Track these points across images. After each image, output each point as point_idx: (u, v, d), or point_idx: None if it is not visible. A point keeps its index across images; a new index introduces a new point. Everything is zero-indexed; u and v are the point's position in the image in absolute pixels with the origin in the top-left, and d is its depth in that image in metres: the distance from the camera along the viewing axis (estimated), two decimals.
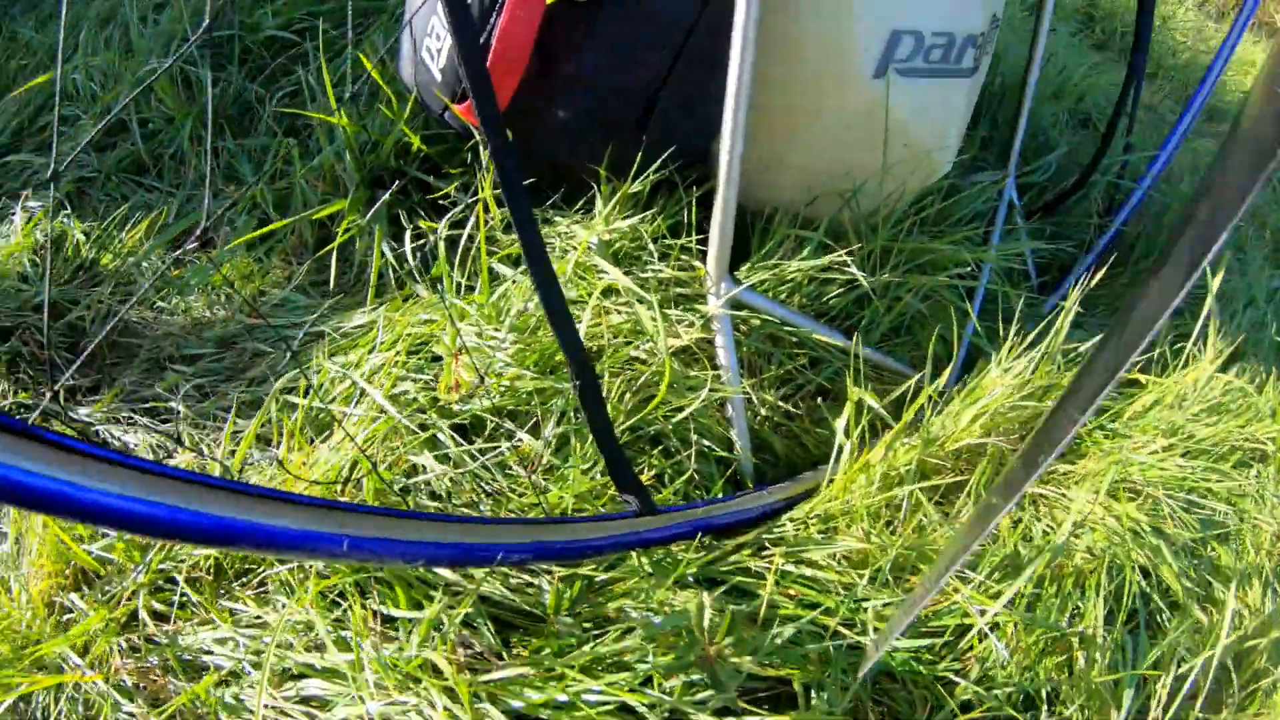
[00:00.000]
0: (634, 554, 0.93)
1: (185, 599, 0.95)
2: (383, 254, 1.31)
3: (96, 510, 0.50)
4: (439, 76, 1.15)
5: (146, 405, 1.25)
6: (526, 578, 0.94)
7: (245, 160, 1.54)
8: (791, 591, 0.97)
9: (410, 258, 1.28)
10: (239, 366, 1.28)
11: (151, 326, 1.37)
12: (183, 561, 0.99)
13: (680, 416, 1.06)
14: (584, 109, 1.15)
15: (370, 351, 1.14)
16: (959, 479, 1.23)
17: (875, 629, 0.97)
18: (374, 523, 0.64)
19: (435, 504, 1.00)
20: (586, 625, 0.91)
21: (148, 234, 1.47)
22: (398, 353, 1.12)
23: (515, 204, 0.66)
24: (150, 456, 1.20)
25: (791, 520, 1.08)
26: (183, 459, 1.13)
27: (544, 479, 1.01)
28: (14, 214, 1.50)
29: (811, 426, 1.21)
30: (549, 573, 0.93)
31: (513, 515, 0.98)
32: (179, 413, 1.18)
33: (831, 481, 1.10)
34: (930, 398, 1.23)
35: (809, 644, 0.93)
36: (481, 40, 1.05)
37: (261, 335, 1.30)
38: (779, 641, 0.90)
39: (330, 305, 1.29)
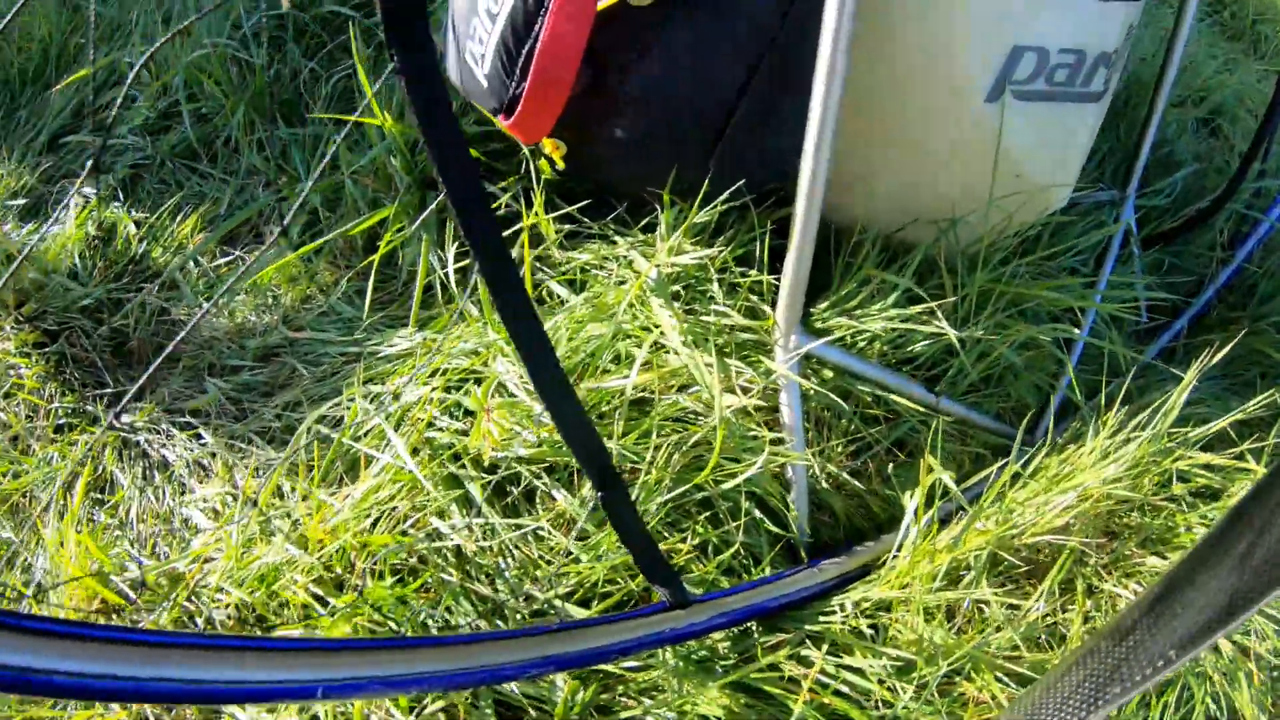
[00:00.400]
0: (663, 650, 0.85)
1: None
2: (430, 266, 1.23)
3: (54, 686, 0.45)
4: (485, 84, 1.05)
5: (184, 420, 1.22)
6: None
7: (297, 150, 1.47)
8: (826, 701, 0.88)
9: (453, 271, 1.20)
10: (278, 382, 1.23)
11: (197, 330, 1.33)
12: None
13: (733, 483, 0.96)
14: (646, 129, 1.03)
15: (408, 382, 1.08)
16: (1031, 570, 1.10)
17: None
18: (352, 660, 0.57)
19: (455, 569, 0.93)
20: None
21: (197, 227, 1.43)
22: (433, 389, 1.05)
23: (502, 294, 0.54)
24: (185, 474, 1.17)
25: (841, 608, 0.98)
26: (212, 489, 1.09)
27: (577, 545, 0.94)
28: (68, 199, 1.48)
29: (879, 487, 1.10)
30: None
31: (525, 624, 0.90)
32: (206, 442, 1.14)
33: (893, 565, 0.99)
34: (1016, 474, 1.10)
35: None
36: (525, 51, 0.94)
37: (301, 349, 1.25)
38: None
39: (371, 322, 1.22)
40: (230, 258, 1.40)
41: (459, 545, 0.94)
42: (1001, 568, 1.08)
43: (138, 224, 1.44)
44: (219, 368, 1.26)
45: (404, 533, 0.95)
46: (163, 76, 1.56)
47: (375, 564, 0.93)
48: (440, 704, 0.83)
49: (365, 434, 1.06)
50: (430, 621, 0.87)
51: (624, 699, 0.86)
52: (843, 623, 0.95)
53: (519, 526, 0.94)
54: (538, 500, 0.98)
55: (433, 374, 1.07)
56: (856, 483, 1.09)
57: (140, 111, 1.56)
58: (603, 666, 0.85)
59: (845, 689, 0.89)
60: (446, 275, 1.20)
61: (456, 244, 1.22)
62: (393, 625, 0.86)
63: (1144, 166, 1.42)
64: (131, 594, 1.01)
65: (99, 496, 1.18)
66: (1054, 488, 1.11)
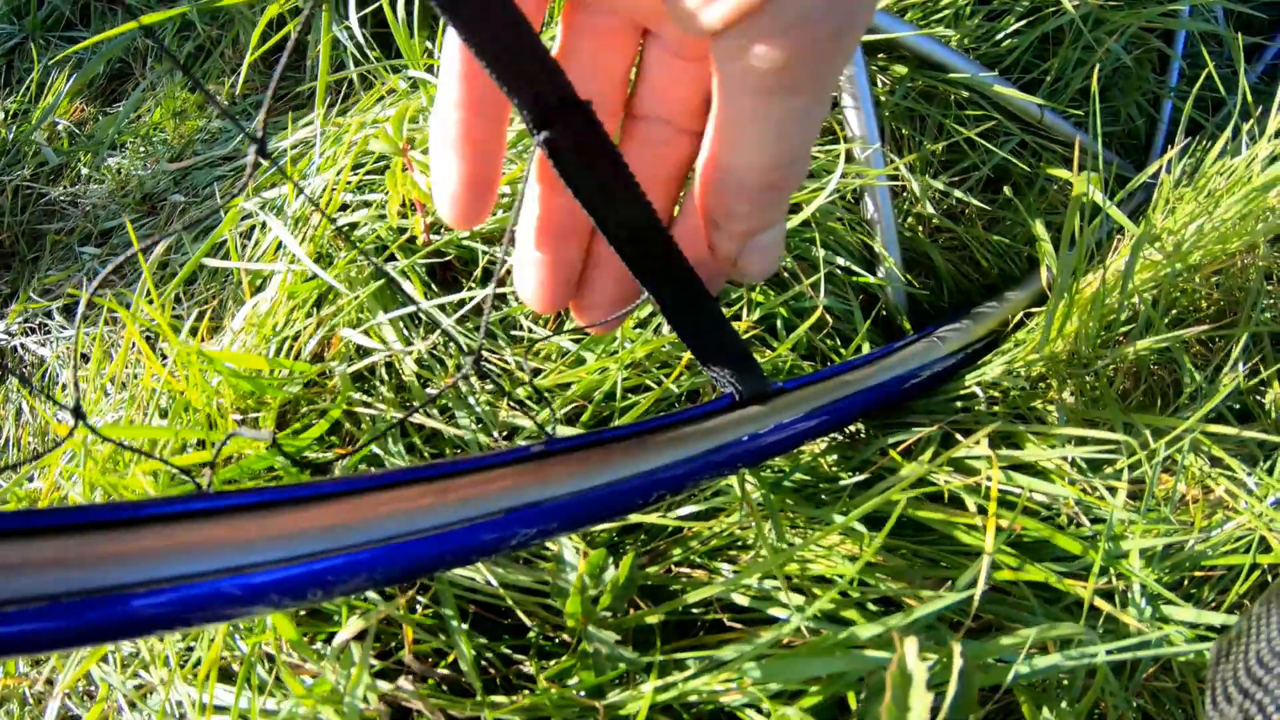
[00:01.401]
0: (734, 481, 0.45)
1: None
2: (331, 36, 0.81)
3: None
4: None
5: (63, 303, 0.82)
6: None
7: None
8: (1005, 522, 0.49)
9: (363, 37, 0.78)
10: (162, 229, 0.82)
11: (79, 202, 0.92)
12: None
13: (796, 219, 0.55)
14: None
15: (305, 177, 0.67)
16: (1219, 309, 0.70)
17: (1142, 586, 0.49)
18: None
19: (391, 403, 0.54)
20: None
21: (72, 95, 1.00)
22: (339, 171, 0.64)
23: None
24: (60, 370, 0.77)
25: (982, 389, 0.58)
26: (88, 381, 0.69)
27: (570, 337, 0.54)
28: None
29: (985, 232, 0.70)
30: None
31: (502, 444, 0.50)
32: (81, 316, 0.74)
33: (1033, 327, 0.59)
34: (1164, 196, 0.69)
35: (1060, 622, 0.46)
36: None
37: (191, 185, 0.84)
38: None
39: (258, 126, 0.81)
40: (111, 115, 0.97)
41: (401, 374, 0.55)
42: (1174, 313, 0.68)
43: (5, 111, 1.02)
44: (96, 235, 0.86)
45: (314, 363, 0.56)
46: None
47: (270, 414, 0.54)
48: (361, 620, 0.44)
49: (263, 253, 0.66)
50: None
51: (685, 571, 0.47)
52: (989, 408, 0.56)
53: (479, 327, 0.55)
54: (509, 287, 0.58)
55: (344, 152, 0.66)
56: (958, 229, 0.68)
57: None
58: (640, 517, 0.46)
59: (1018, 499, 0.50)
60: (359, 45, 0.78)
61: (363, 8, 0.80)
62: None
63: None
64: None
65: None
66: (1212, 207, 0.70)
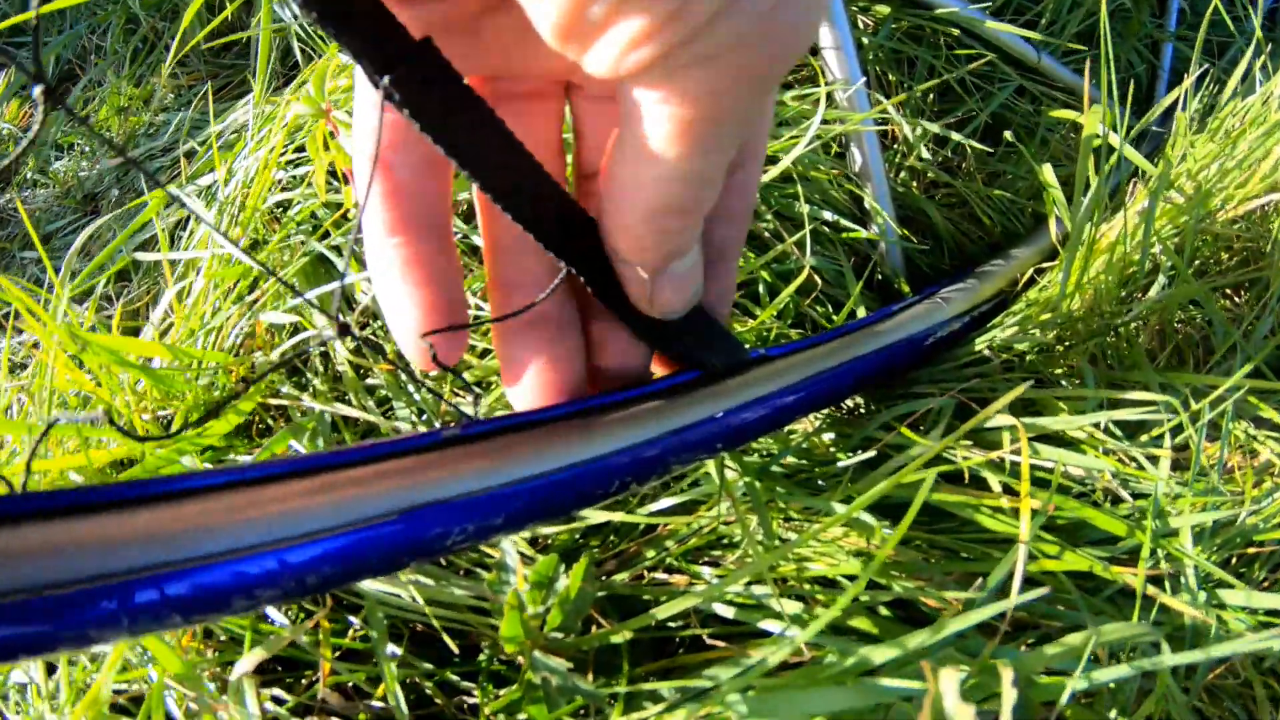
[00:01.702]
0: (711, 468, 0.36)
1: None
2: (273, 13, 0.73)
3: None
4: None
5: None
6: None
7: None
8: (1038, 505, 0.40)
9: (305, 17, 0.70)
10: (102, 227, 0.74)
11: (28, 205, 0.84)
12: None
13: (774, 171, 0.47)
14: None
15: (236, 160, 0.59)
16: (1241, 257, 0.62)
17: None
18: None
19: (323, 397, 0.46)
20: None
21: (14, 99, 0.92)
22: (272, 149, 0.56)
23: None
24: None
25: (994, 352, 0.50)
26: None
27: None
28: None
29: (985, 187, 0.61)
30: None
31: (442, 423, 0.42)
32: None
33: (1045, 284, 0.50)
34: (1181, 134, 0.61)
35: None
36: None
37: (128, 183, 0.76)
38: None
39: (199, 114, 0.72)
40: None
41: (335, 362, 0.47)
42: (1197, 264, 0.60)
43: None
44: (42, 237, 0.78)
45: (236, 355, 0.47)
46: None
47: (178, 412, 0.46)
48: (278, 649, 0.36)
49: (196, 241, 0.57)
50: None
51: (662, 577, 0.38)
52: (1005, 374, 0.48)
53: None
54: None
55: (282, 131, 0.58)
56: (955, 182, 0.60)
57: None
58: (606, 514, 0.38)
59: (1051, 476, 0.42)
60: (304, 26, 0.69)
61: None
62: None
63: None
64: None
65: None
66: (1230, 147, 0.62)
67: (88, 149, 0.81)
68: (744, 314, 0.46)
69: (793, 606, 0.33)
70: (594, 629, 0.34)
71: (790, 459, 0.39)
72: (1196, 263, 0.58)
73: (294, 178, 0.53)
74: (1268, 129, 0.60)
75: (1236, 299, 0.60)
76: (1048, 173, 0.54)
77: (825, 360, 0.38)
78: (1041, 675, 0.30)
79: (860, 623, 0.33)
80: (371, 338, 0.45)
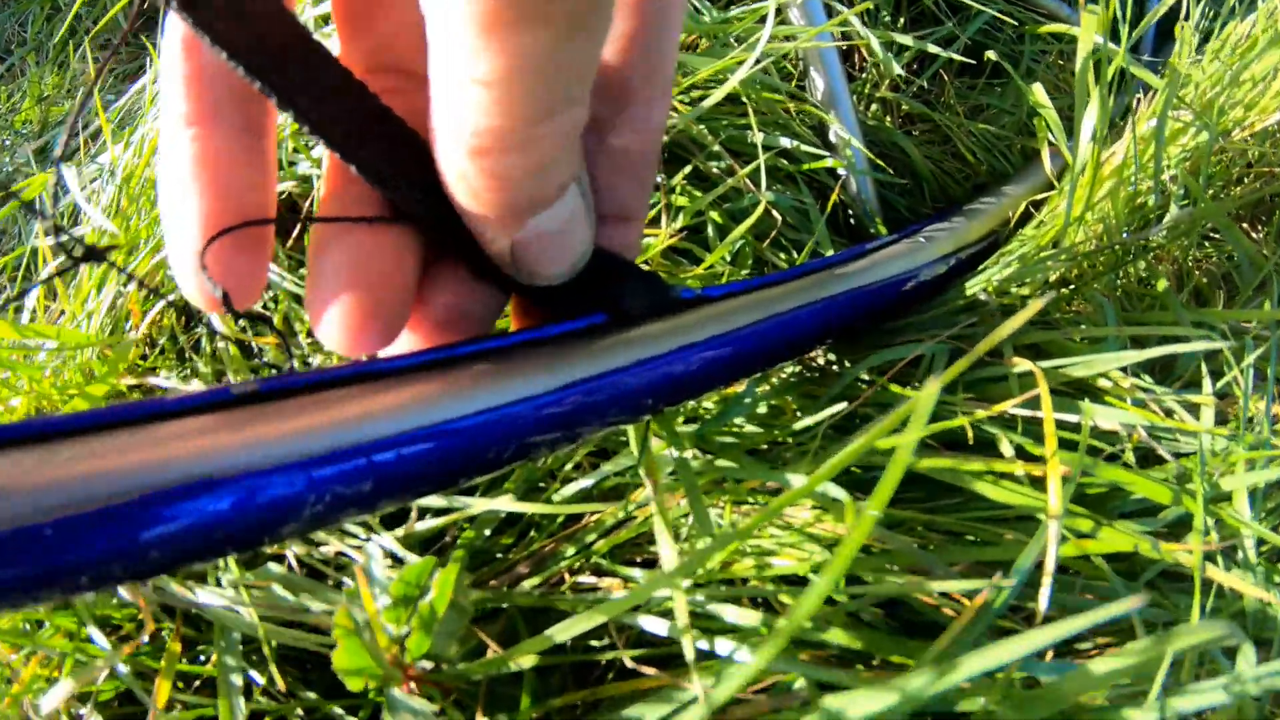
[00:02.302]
0: (630, 436, 0.27)
1: None
2: None
3: None
4: None
5: None
6: None
7: None
8: (1042, 471, 0.30)
9: None
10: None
11: None
12: None
13: (718, 94, 0.37)
14: None
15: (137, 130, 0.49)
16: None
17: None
18: None
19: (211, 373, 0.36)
20: None
21: None
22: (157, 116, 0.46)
23: None
24: None
25: (991, 289, 0.40)
26: None
27: None
28: None
29: (968, 118, 0.52)
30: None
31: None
32: None
33: (1044, 219, 0.41)
34: (1185, 43, 0.51)
35: None
36: None
37: (45, 167, 0.66)
38: None
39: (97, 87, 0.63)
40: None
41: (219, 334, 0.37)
42: (1210, 192, 0.50)
43: None
44: None
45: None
46: None
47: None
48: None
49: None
50: None
51: (589, 581, 0.29)
52: (1006, 317, 0.38)
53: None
54: None
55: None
56: (935, 115, 0.50)
57: None
58: (526, 506, 0.28)
59: (1070, 434, 0.32)
60: None
61: None
62: None
63: None
64: None
65: None
66: (1240, 59, 0.52)
67: (8, 140, 0.71)
68: (692, 261, 0.37)
69: (750, 617, 0.23)
70: (492, 652, 0.25)
71: (749, 426, 0.29)
72: (1210, 191, 0.48)
73: None
74: (1275, 40, 0.50)
75: (1254, 233, 0.51)
76: (1039, 93, 0.44)
77: (780, 303, 0.29)
78: (1096, 697, 0.20)
79: (837, 635, 0.23)
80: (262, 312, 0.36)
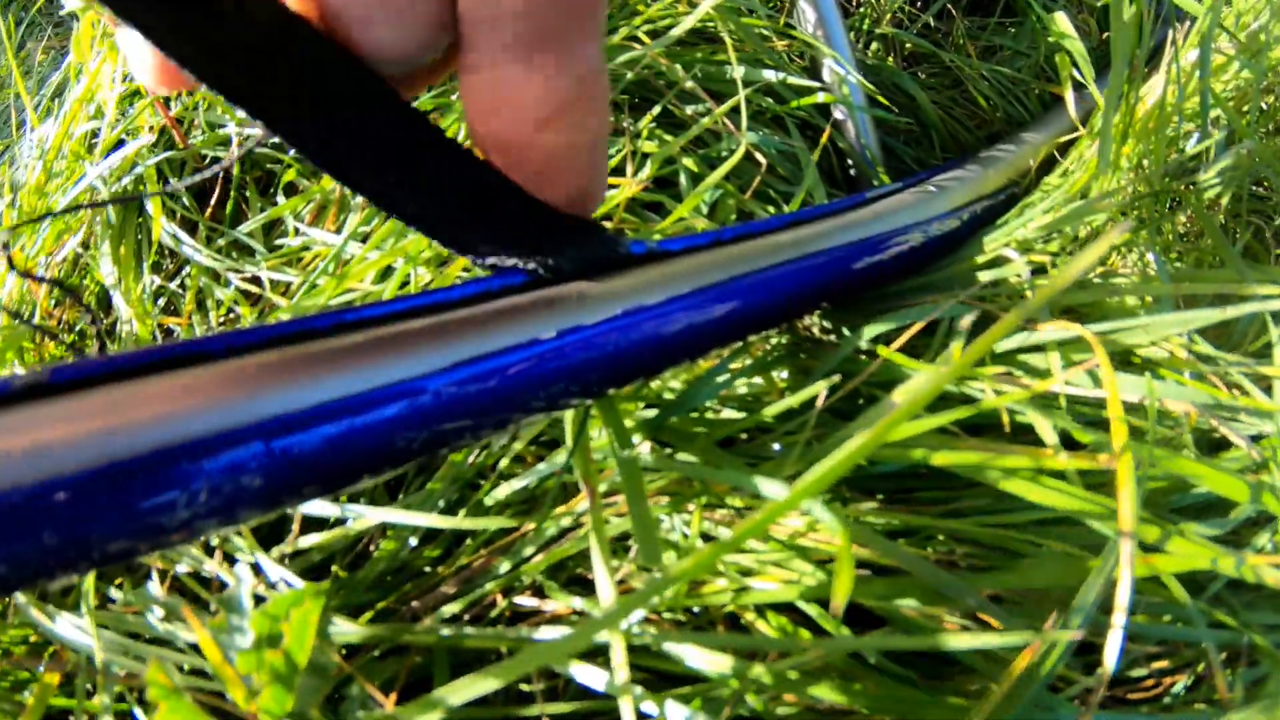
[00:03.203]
0: (568, 421, 0.20)
1: None
2: None
3: None
4: None
5: None
6: None
7: None
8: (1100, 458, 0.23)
9: None
10: None
11: None
12: None
13: (685, 24, 0.30)
14: None
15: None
16: None
17: None
18: None
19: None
20: None
21: None
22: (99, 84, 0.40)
23: None
24: None
25: (1017, 244, 0.33)
26: None
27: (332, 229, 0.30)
28: None
29: (981, 60, 0.44)
30: None
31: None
32: None
33: (1070, 169, 0.34)
34: None
35: None
36: None
37: None
38: None
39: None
40: None
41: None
42: (1264, 131, 0.43)
43: None
44: None
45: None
46: None
47: None
48: None
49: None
50: None
51: (531, 605, 0.22)
52: (1033, 280, 0.31)
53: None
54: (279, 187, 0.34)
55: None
56: (943, 53, 0.43)
57: None
58: (438, 516, 0.22)
59: (1145, 423, 0.25)
60: None
61: None
62: None
63: None
64: None
65: None
66: None
67: None
68: (660, 216, 0.30)
69: (718, 663, 0.17)
70: (395, 703, 0.18)
71: (726, 410, 0.23)
72: (1261, 132, 0.41)
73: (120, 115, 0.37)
74: None
75: None
76: (1063, 22, 0.37)
77: (759, 259, 0.22)
78: None
79: (829, 691, 0.16)
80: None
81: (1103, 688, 0.16)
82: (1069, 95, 0.40)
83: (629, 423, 0.21)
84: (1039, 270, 0.32)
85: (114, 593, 0.25)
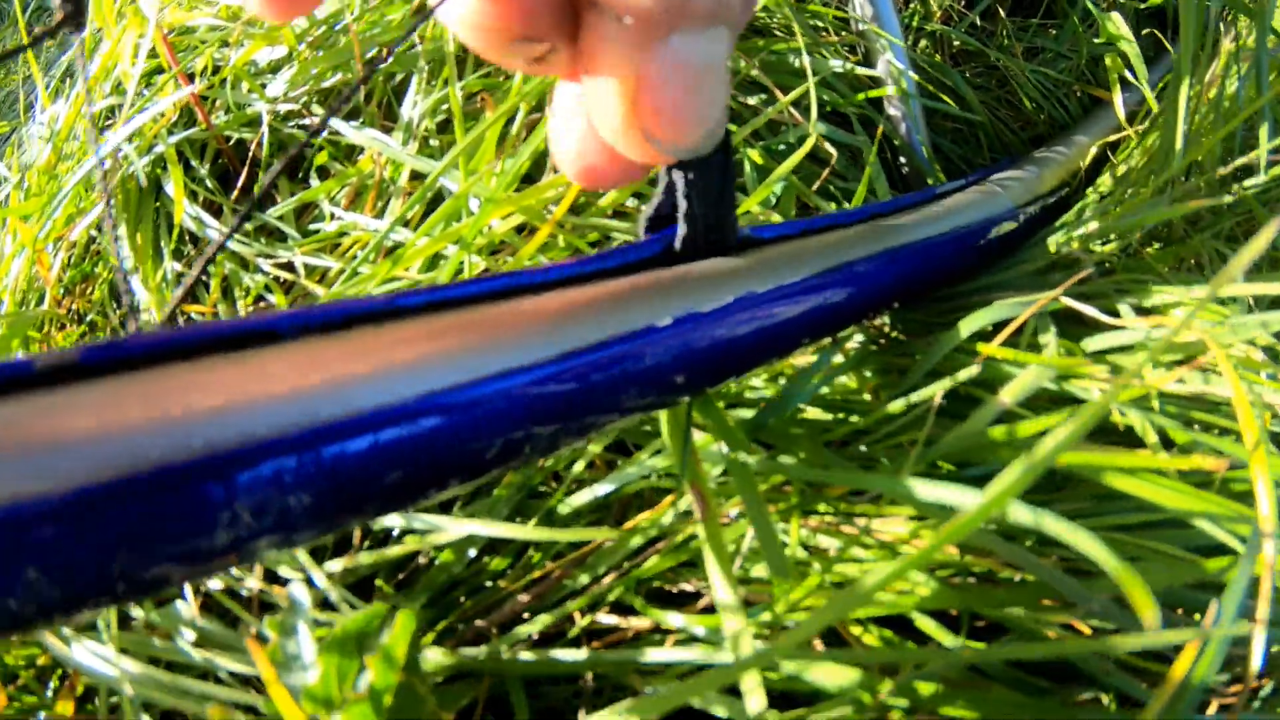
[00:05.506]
0: (665, 425, 0.19)
1: None
2: None
3: None
4: None
5: None
6: None
7: None
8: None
9: None
10: None
11: None
12: None
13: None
14: None
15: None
16: None
17: None
18: None
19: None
20: None
21: None
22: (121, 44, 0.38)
23: None
24: None
25: (1083, 239, 0.33)
26: None
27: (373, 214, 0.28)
28: None
29: (1023, 63, 0.44)
30: None
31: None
32: None
33: (1126, 152, 0.34)
34: None
35: None
36: None
37: None
38: None
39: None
40: None
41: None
42: None
43: None
44: None
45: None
46: None
47: None
48: None
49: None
50: None
51: (614, 623, 0.21)
52: (1106, 277, 0.31)
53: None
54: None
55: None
56: (983, 47, 0.43)
57: None
58: (494, 524, 0.21)
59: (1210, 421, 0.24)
60: None
61: None
62: None
63: None
64: None
65: None
66: None
67: None
68: None
69: (844, 675, 0.16)
70: None
71: (813, 410, 0.22)
72: None
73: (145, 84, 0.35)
74: None
75: None
76: (1118, 22, 0.37)
77: (850, 249, 0.22)
78: None
79: (965, 709, 0.15)
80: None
81: (1248, 688, 0.15)
82: (1117, 96, 0.40)
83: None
84: (1109, 269, 0.31)
85: (134, 610, 0.23)
